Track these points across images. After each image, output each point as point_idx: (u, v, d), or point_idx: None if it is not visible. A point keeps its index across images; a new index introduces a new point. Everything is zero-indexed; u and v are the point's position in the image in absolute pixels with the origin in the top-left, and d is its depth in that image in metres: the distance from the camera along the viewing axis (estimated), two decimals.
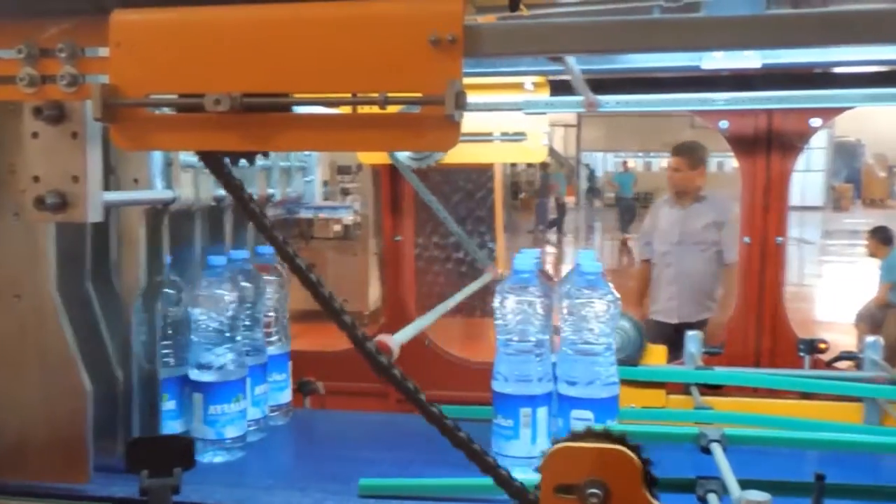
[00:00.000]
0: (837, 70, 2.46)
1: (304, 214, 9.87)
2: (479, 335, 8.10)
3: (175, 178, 1.73)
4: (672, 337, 4.29)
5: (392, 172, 2.88)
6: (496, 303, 1.72)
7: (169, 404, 1.79)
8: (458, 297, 2.58)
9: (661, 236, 4.74)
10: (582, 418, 1.64)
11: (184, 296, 1.81)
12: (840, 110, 2.52)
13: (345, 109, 1.29)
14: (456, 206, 3.33)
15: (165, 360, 1.79)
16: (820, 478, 1.16)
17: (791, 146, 2.55)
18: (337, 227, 10.30)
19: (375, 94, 1.10)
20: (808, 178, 26.36)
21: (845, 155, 28.95)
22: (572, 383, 1.68)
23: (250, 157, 1.31)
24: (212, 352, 1.80)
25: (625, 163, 25.67)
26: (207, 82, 1.12)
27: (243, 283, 1.90)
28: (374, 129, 1.15)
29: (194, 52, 1.13)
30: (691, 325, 3.94)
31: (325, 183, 9.73)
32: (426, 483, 1.61)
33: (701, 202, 4.63)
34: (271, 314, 2.06)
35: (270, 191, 2.17)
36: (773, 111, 2.49)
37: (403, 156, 2.56)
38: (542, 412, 1.67)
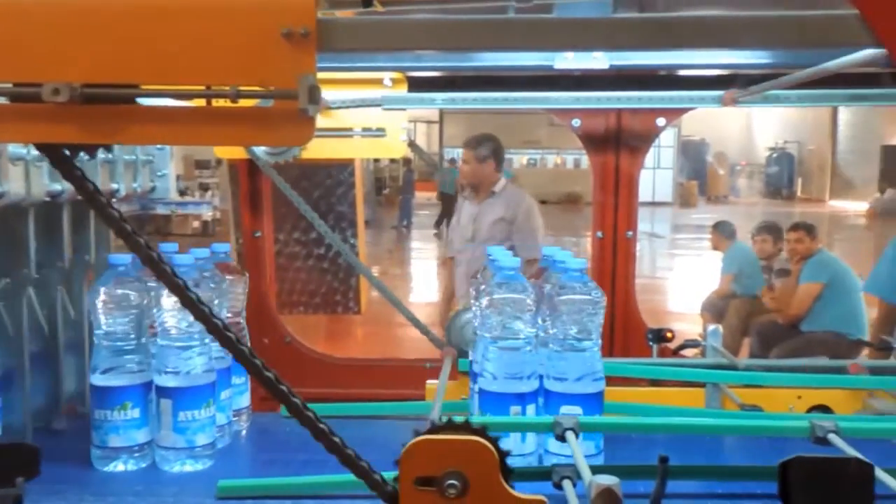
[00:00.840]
0: (682, 73, 2.60)
1: (161, 210, 9.53)
2: (342, 332, 8.08)
3: (3, 171, 1.62)
4: None
5: (250, 167, 2.82)
6: (479, 300, 1.74)
7: (133, 412, 1.70)
8: None
9: (459, 232, 4.66)
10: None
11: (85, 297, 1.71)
12: (683, 110, 2.65)
13: (198, 102, 1.25)
14: (317, 202, 3.30)
15: (129, 365, 1.71)
16: (664, 460, 1.22)
17: (639, 144, 2.67)
18: (196, 224, 10.01)
19: (227, 88, 1.08)
20: (658, 175, 27.65)
21: (691, 153, 30.56)
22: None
23: (91, 150, 1.25)
24: (180, 356, 1.71)
25: (452, 160, 26.01)
26: (45, 71, 1.06)
27: (211, 284, 1.82)
28: (225, 124, 1.12)
29: (31, 39, 1.07)
30: None
31: (179, 177, 9.39)
32: (284, 482, 1.59)
33: (493, 197, 4.53)
34: (230, 314, 1.98)
35: (114, 186, 2.08)
36: (622, 110, 2.59)
37: (261, 150, 2.51)
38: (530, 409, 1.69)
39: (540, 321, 1.78)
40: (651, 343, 2.48)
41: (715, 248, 7.79)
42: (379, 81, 2.45)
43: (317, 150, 2.58)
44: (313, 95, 1.05)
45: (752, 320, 6.70)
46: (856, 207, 24.93)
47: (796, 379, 2.09)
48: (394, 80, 2.46)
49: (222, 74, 1.08)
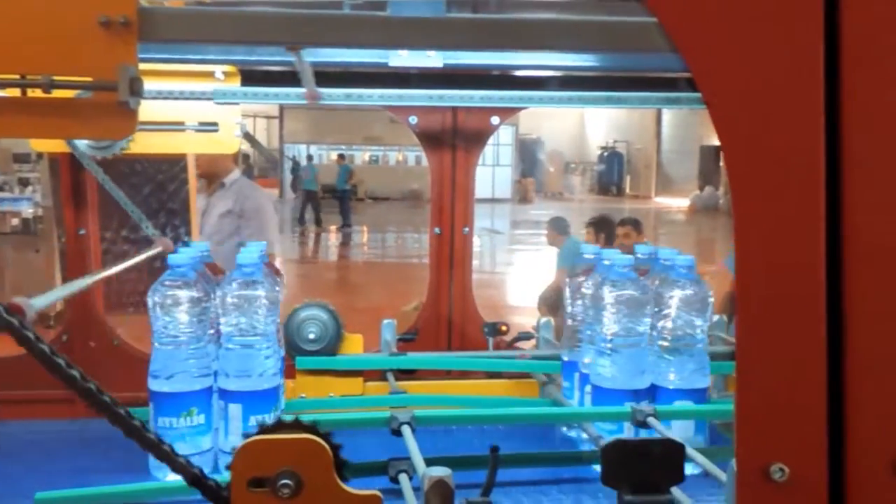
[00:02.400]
0: (517, 73, 2.68)
1: None
2: None
3: None
4: None
5: (72, 161, 2.67)
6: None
7: (198, 418, 1.65)
8: (125, 265, 2.45)
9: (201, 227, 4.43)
10: None
11: None
12: (517, 109, 2.73)
13: (12, 92, 1.17)
14: (147, 198, 3.17)
15: (192, 370, 1.66)
16: (494, 450, 1.26)
17: (475, 142, 2.72)
18: (15, 221, 9.39)
19: (40, 77, 1.02)
20: (497, 172, 28.32)
21: (528, 151, 31.49)
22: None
23: None
24: (251, 359, 1.70)
25: (340, 156, 25.88)
26: None
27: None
28: (40, 115, 1.06)
29: None
30: None
31: None
32: (109, 491, 1.52)
33: (223, 189, 4.29)
34: None
35: None
36: (457, 108, 2.64)
37: (83, 144, 2.38)
38: None
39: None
40: (487, 336, 2.54)
41: (550, 243, 8.06)
42: (210, 74, 2.38)
43: (145, 144, 2.47)
44: (135, 87, 1.01)
45: None
46: (678, 203, 26.52)
47: None
48: (226, 74, 2.40)
49: (36, 63, 1.01)
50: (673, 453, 1.05)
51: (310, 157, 25.10)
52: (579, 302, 2.04)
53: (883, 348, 0.76)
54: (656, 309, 1.85)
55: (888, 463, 0.76)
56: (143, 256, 2.53)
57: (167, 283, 1.72)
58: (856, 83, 0.75)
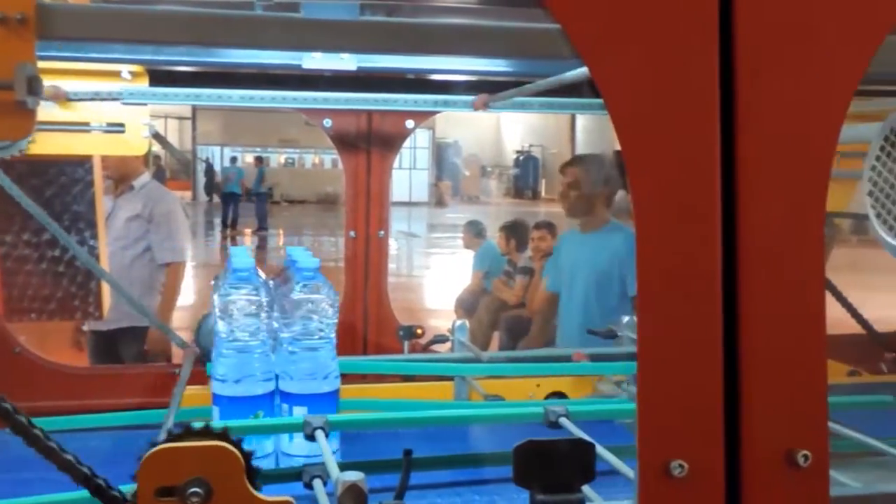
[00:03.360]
0: (432, 76, 2.69)
1: None
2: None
3: None
4: (103, 345, 3.92)
5: None
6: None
7: None
8: None
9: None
10: None
11: None
12: (432, 113, 2.75)
13: None
14: (50, 201, 3.05)
15: (257, 374, 1.68)
16: (407, 453, 1.26)
17: (390, 145, 2.72)
18: None
19: None
20: (414, 175, 28.36)
21: (445, 155, 31.62)
22: None
23: None
24: (318, 361, 1.70)
25: (258, 158, 25.47)
26: None
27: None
28: None
29: None
30: (126, 332, 3.75)
31: None
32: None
33: (131, 192, 4.20)
34: None
35: None
36: (372, 112, 2.63)
37: None
38: None
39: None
40: (402, 340, 2.54)
41: (467, 246, 8.12)
42: (116, 74, 2.32)
43: (47, 144, 2.39)
44: (33, 86, 0.97)
45: (500, 315, 7.06)
46: None
47: (534, 368, 2.23)
48: (133, 73, 2.34)
49: None
50: (583, 452, 1.07)
51: (233, 160, 24.68)
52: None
53: (774, 348, 0.80)
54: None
55: (781, 455, 0.79)
56: None
57: (234, 287, 1.73)
58: (749, 88, 0.78)
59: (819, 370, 0.81)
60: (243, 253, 1.87)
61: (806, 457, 0.79)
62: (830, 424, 1.70)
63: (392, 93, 2.55)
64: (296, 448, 1.69)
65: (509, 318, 6.86)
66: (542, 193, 32.92)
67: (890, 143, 1.17)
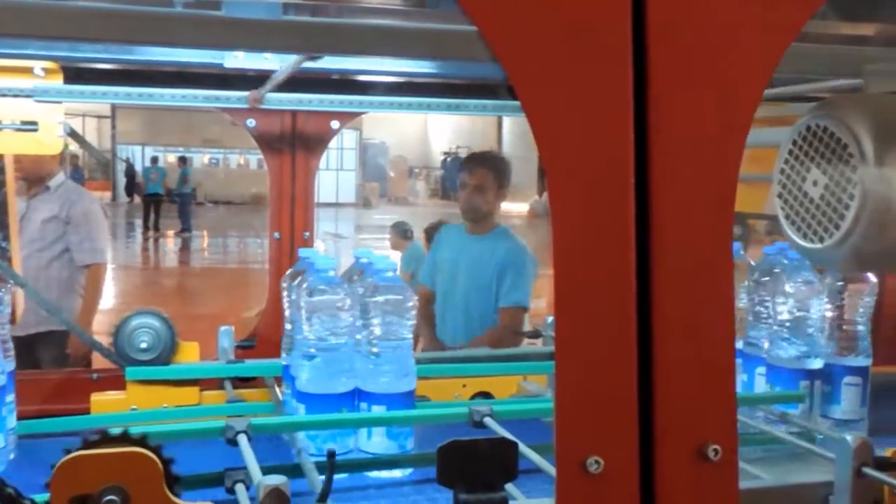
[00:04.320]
0: (358, 77, 2.68)
1: None
2: None
3: None
4: (23, 350, 3.94)
5: None
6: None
7: None
8: None
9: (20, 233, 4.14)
10: None
11: None
12: (357, 114, 2.74)
13: None
14: None
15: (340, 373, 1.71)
16: (331, 455, 1.25)
17: (314, 146, 2.70)
18: None
19: None
20: (341, 176, 28.20)
21: (372, 156, 31.55)
22: None
23: None
24: (400, 361, 1.73)
25: (181, 158, 24.92)
26: None
27: None
28: None
29: None
30: (44, 337, 3.66)
31: None
32: None
33: (47, 193, 4.05)
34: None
35: None
36: (296, 112, 2.61)
37: None
38: None
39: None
40: None
41: (394, 247, 8.11)
42: (28, 70, 2.24)
43: None
44: None
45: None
46: (519, 208, 27.31)
47: (458, 369, 2.24)
48: (47, 70, 2.27)
49: None
50: (505, 451, 1.08)
51: (154, 160, 24.11)
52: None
53: (686, 346, 0.82)
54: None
55: (693, 450, 0.82)
56: None
57: (318, 287, 1.74)
58: (662, 92, 0.80)
59: (728, 367, 0.84)
60: (323, 254, 1.88)
61: (716, 451, 0.82)
62: (744, 419, 1.76)
63: (316, 93, 2.53)
64: (374, 446, 1.73)
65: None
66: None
67: (798, 146, 1.22)
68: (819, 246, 1.18)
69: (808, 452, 1.57)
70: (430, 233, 7.62)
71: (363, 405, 1.76)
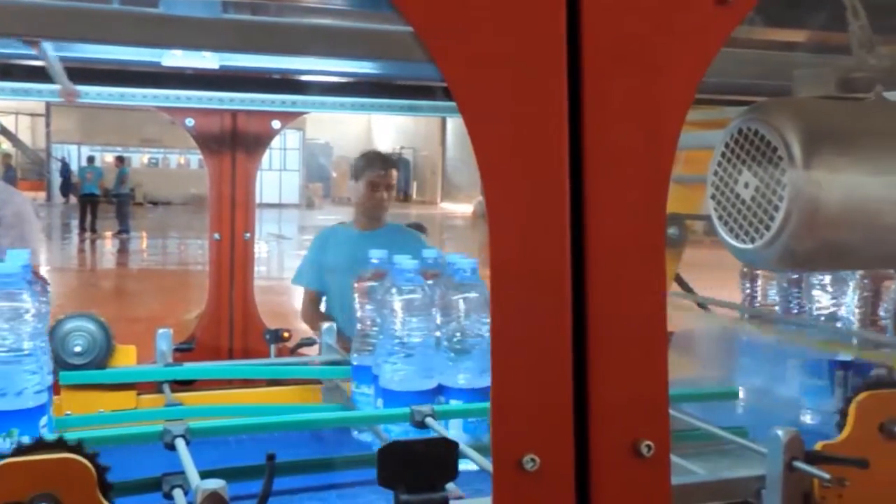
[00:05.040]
0: (300, 77, 2.66)
1: None
2: None
3: None
4: None
5: None
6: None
7: None
8: None
9: None
10: None
11: None
12: (298, 114, 2.72)
13: None
14: None
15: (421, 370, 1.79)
16: (271, 458, 1.24)
17: (255, 146, 2.68)
18: None
19: None
20: (284, 177, 27.96)
21: (316, 156, 31.33)
22: None
23: None
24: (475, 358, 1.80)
25: (119, 158, 24.34)
26: None
27: None
28: None
29: None
30: None
31: None
32: None
33: None
34: None
35: None
36: (237, 111, 2.58)
37: None
38: None
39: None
40: (269, 343, 2.51)
41: None
42: None
43: None
44: None
45: None
46: (463, 209, 27.39)
47: None
48: None
49: None
50: (446, 451, 1.09)
51: (91, 159, 23.54)
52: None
53: (620, 344, 0.84)
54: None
55: (626, 446, 0.83)
56: None
57: (402, 287, 1.84)
58: (596, 93, 0.82)
59: (661, 364, 0.86)
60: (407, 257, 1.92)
61: (649, 447, 0.83)
62: (680, 415, 1.80)
63: (257, 92, 2.51)
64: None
65: None
66: (413, 195, 33.10)
67: (730, 149, 1.25)
68: (750, 246, 1.21)
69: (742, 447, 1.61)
70: None
71: (440, 398, 1.85)
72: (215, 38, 1.44)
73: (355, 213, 3.72)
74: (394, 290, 1.87)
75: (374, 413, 1.86)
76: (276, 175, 27.03)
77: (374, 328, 2.02)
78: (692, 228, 2.72)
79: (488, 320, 1.77)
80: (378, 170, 3.70)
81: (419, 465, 1.06)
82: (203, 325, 2.71)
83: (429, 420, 1.65)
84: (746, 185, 1.22)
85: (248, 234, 2.75)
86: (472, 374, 1.83)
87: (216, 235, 2.72)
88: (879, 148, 1.23)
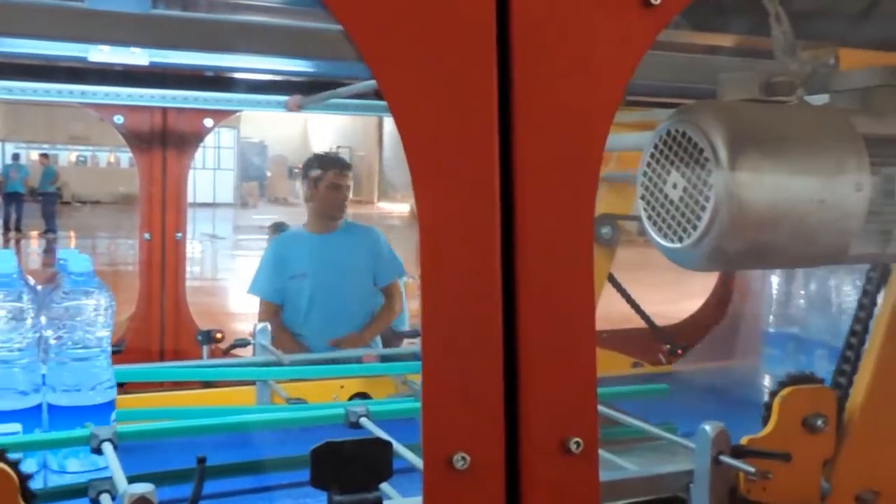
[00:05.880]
0: (234, 75, 2.62)
1: None
2: None
3: None
4: None
5: None
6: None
7: None
8: None
9: None
10: None
11: None
12: (231, 112, 2.68)
13: None
14: None
15: None
16: (201, 461, 1.23)
17: (187, 144, 2.63)
18: None
19: None
20: (219, 176, 27.52)
21: (251, 155, 30.93)
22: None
23: None
24: None
25: (44, 155, 23.61)
26: None
27: None
28: None
29: None
30: None
31: None
32: None
33: None
34: None
35: None
36: (167, 109, 2.53)
37: None
38: None
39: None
40: (201, 345, 2.47)
41: None
42: None
43: None
44: None
45: None
46: (400, 209, 27.35)
47: (334, 370, 2.23)
48: None
49: None
50: (379, 451, 1.09)
51: (16, 157, 22.80)
52: None
53: (549, 343, 0.85)
54: None
55: (556, 443, 0.84)
56: None
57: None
58: (525, 89, 0.82)
59: (589, 362, 0.87)
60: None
61: (578, 443, 0.85)
62: (613, 412, 1.82)
63: (189, 90, 2.46)
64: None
65: None
66: (350, 195, 32.87)
67: (659, 150, 1.27)
68: (679, 245, 1.24)
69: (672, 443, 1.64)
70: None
71: None
72: (144, 34, 1.41)
73: (311, 217, 3.64)
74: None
75: (307, 413, 1.85)
76: (211, 174, 26.59)
77: None
78: (624, 228, 2.77)
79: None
80: (338, 171, 3.66)
81: (352, 465, 1.05)
82: (133, 326, 2.66)
83: (364, 420, 1.65)
84: (675, 186, 1.24)
85: (179, 234, 2.70)
86: None
87: (146, 235, 2.66)
88: (801, 150, 1.27)
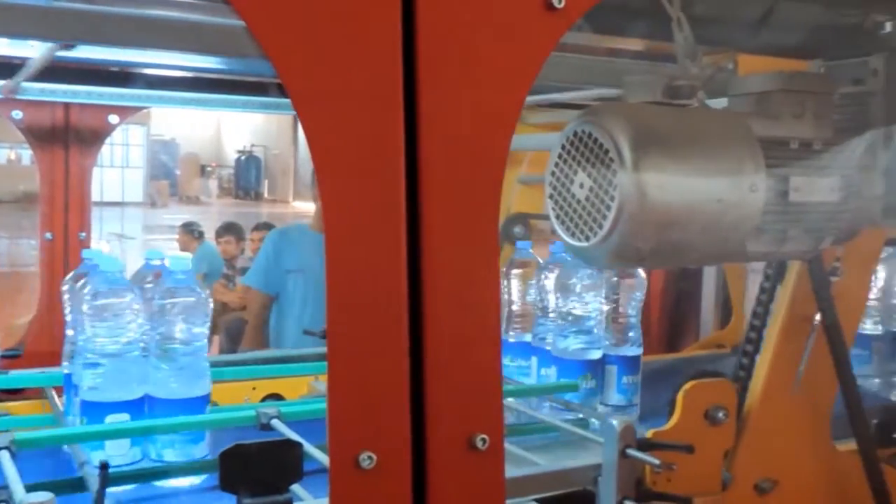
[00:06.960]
0: (140, 70, 2.55)
1: None
2: None
3: None
4: None
5: None
6: None
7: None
8: None
9: None
10: None
11: None
12: (137, 108, 2.61)
13: None
14: None
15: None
16: (104, 467, 1.19)
17: (91, 141, 2.55)
18: None
19: None
20: (127, 174, 26.74)
21: (161, 153, 30.16)
22: None
23: None
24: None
25: None
26: None
27: None
28: None
29: None
30: None
31: None
32: None
33: None
34: None
35: None
36: (70, 105, 2.46)
37: None
38: None
39: None
40: None
41: (183, 248, 7.79)
42: None
43: None
44: None
45: (221, 318, 6.86)
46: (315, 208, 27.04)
47: (246, 372, 2.20)
48: None
49: None
50: (289, 452, 1.08)
51: None
52: None
53: (455, 341, 0.86)
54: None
55: (462, 440, 0.85)
56: None
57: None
58: (430, 89, 0.83)
59: (495, 360, 0.88)
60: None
61: (484, 440, 0.86)
62: (523, 409, 1.85)
63: (93, 85, 2.39)
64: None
65: (230, 322, 6.69)
66: (265, 194, 32.44)
67: (566, 150, 1.29)
68: (585, 244, 1.27)
69: (583, 438, 1.68)
70: (229, 233, 7.41)
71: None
72: (44, 26, 1.36)
73: (317, 215, 3.65)
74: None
75: (218, 416, 1.82)
76: (119, 172, 25.82)
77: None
78: (537, 227, 2.81)
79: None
80: None
81: (263, 467, 1.04)
82: (34, 330, 2.56)
83: (275, 422, 1.63)
84: (581, 186, 1.27)
85: (83, 234, 2.62)
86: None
87: (48, 235, 2.57)
88: (702, 151, 1.32)
